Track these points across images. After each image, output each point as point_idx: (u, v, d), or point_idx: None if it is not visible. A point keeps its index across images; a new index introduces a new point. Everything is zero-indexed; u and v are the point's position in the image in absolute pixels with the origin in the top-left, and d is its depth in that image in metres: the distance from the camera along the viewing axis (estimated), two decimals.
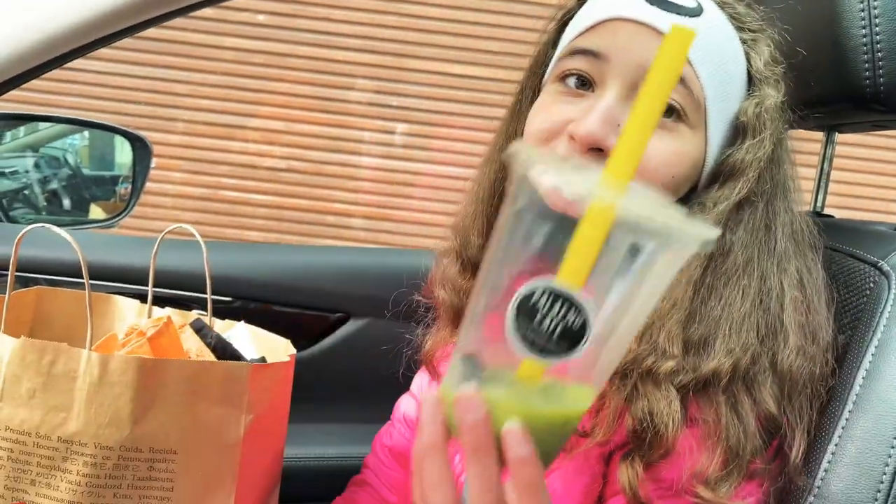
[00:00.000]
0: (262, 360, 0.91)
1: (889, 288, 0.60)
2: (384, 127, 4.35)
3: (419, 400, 0.93)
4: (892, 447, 0.53)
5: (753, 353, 0.58)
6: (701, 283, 0.60)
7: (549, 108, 0.66)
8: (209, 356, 0.88)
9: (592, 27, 0.65)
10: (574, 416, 0.41)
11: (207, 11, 4.18)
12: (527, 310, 0.37)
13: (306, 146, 4.43)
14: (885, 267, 0.63)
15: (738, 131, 0.64)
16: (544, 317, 0.37)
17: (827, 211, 0.93)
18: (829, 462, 0.55)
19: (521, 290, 0.37)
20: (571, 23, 0.69)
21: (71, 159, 1.81)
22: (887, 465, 0.52)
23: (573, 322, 0.37)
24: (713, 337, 0.58)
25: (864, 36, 0.67)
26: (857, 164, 4.35)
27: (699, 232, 0.36)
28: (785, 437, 0.59)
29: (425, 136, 4.33)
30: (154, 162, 1.44)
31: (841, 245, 0.73)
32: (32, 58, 0.83)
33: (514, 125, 0.74)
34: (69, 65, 0.98)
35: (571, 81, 0.65)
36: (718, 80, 0.63)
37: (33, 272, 1.23)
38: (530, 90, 0.73)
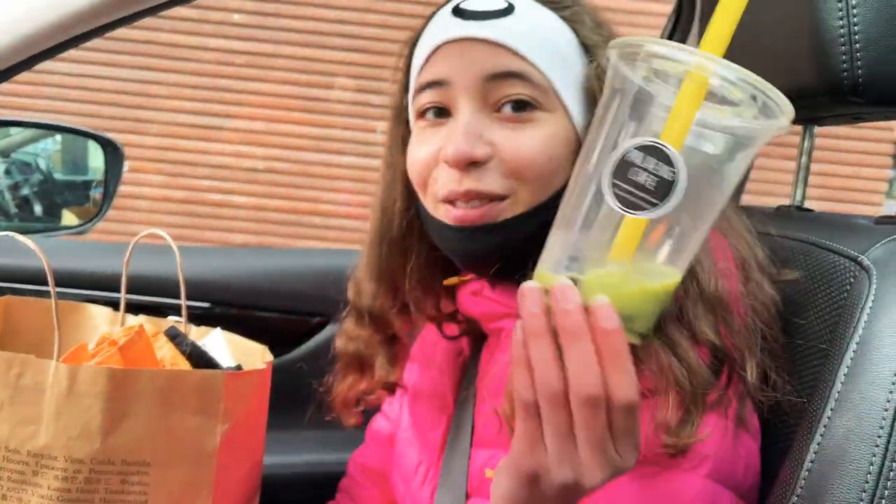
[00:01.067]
0: (239, 367, 0.90)
1: (870, 283, 0.59)
2: (368, 126, 4.33)
3: (391, 418, 0.91)
4: (877, 446, 0.52)
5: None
6: None
7: (420, 143, 0.71)
8: (184, 364, 0.86)
9: (427, 60, 0.70)
10: (663, 291, 0.45)
11: (186, 11, 4.15)
12: (624, 166, 0.41)
13: (289, 146, 4.40)
14: (866, 262, 0.62)
15: (593, 97, 0.68)
16: (639, 170, 0.41)
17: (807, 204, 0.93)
18: (811, 462, 0.54)
19: (619, 150, 0.41)
20: (412, 63, 0.74)
21: (43, 164, 1.78)
22: (871, 464, 0.52)
23: (665, 174, 0.40)
24: None
25: (842, 27, 0.66)
26: (835, 155, 4.39)
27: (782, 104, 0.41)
28: (735, 362, 0.61)
29: None
30: (127, 166, 1.41)
31: (819, 239, 0.73)
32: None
33: (390, 172, 0.77)
34: (42, 67, 0.96)
35: (430, 114, 0.70)
36: (554, 60, 0.67)
37: (1, 281, 1.21)
38: (399, 137, 0.76)
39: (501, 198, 0.67)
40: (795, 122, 0.92)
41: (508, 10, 0.67)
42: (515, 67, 0.66)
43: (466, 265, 0.74)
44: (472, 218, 0.67)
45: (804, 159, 0.91)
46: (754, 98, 0.43)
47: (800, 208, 0.92)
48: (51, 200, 1.72)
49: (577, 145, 0.67)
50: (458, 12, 0.69)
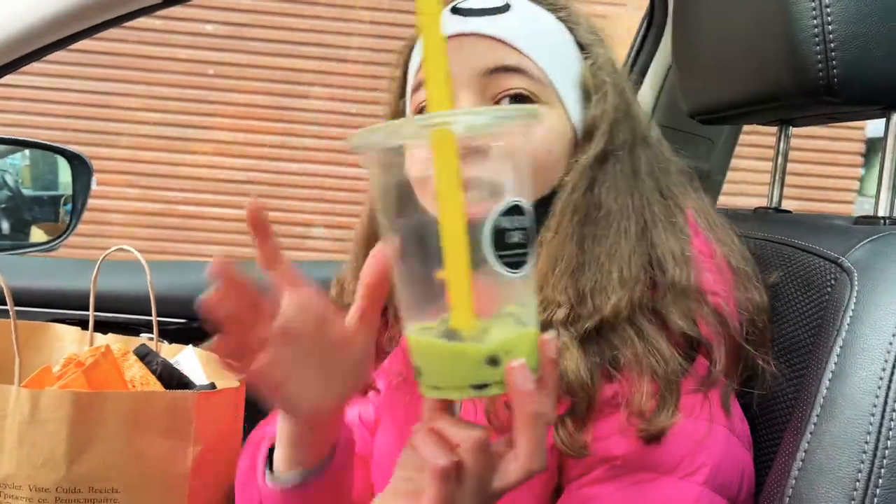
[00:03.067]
0: (212, 385, 0.87)
1: (851, 285, 0.58)
2: (342, 135, 4.30)
3: (374, 403, 0.89)
4: (864, 452, 0.51)
5: (645, 280, 0.63)
6: (581, 237, 0.65)
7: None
8: (154, 384, 0.83)
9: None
10: (534, 334, 0.45)
11: (155, 22, 4.10)
12: (499, 235, 0.41)
13: (263, 157, 4.36)
14: (846, 263, 0.61)
15: (587, 93, 0.70)
16: (512, 232, 0.41)
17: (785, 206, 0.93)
18: (798, 470, 0.53)
19: (487, 226, 0.41)
20: (410, 65, 0.75)
21: (10, 180, 1.74)
22: (860, 471, 0.50)
23: (524, 223, 0.42)
24: (606, 280, 0.63)
25: (816, 26, 0.66)
26: (806, 155, 4.44)
27: (524, 111, 0.43)
28: (708, 349, 0.62)
29: None
30: (95, 181, 1.38)
31: (798, 241, 0.72)
32: None
33: None
34: (7, 80, 0.94)
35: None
36: (551, 55, 0.68)
37: None
38: None
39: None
40: (771, 123, 0.92)
41: (505, 7, 0.69)
42: (513, 62, 0.67)
43: None
44: (474, 213, 0.68)
45: (780, 160, 0.90)
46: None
47: (778, 210, 0.91)
48: (18, 217, 1.68)
49: (573, 139, 0.69)
50: (456, 10, 0.70)
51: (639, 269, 0.63)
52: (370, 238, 0.78)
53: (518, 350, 0.44)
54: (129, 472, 0.70)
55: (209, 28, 4.28)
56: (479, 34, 0.68)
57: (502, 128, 0.44)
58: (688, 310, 0.62)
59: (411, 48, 0.76)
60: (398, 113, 0.78)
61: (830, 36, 0.65)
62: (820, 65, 0.66)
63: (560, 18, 0.71)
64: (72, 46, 0.96)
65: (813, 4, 0.66)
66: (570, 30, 0.71)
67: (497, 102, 0.68)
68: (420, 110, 0.72)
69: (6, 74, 0.95)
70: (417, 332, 0.45)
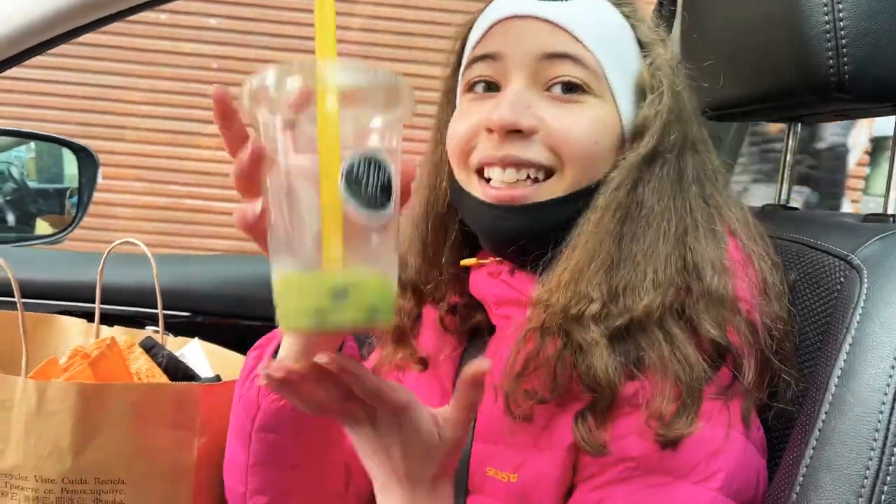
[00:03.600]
0: (217, 378, 0.87)
1: (861, 282, 0.58)
2: None
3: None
4: (872, 449, 0.51)
5: (679, 285, 0.63)
6: (620, 235, 0.65)
7: (465, 115, 0.71)
8: (160, 376, 0.84)
9: (485, 34, 0.71)
10: (394, 282, 0.48)
11: (161, 16, 4.10)
12: (351, 180, 0.44)
13: None
14: (856, 260, 0.61)
15: (642, 92, 0.69)
16: (367, 179, 0.44)
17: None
18: (806, 467, 0.53)
19: (345, 166, 0.44)
20: (469, 40, 0.75)
21: (16, 172, 1.74)
22: (868, 468, 0.50)
23: (383, 178, 0.45)
24: (640, 279, 0.63)
25: (828, 22, 0.65)
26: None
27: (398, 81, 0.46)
28: (736, 360, 0.62)
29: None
30: (101, 174, 1.38)
31: (806, 238, 0.72)
32: None
33: (438, 150, 0.78)
34: (14, 73, 0.94)
35: (479, 88, 0.71)
36: (610, 49, 0.68)
37: None
38: (447, 118, 0.76)
39: (545, 171, 0.67)
40: (780, 120, 0.92)
41: None
42: (570, 49, 0.67)
43: (493, 243, 0.74)
44: (506, 197, 0.68)
45: (789, 158, 0.90)
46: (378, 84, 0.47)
47: (785, 207, 0.91)
48: (24, 209, 1.69)
49: (620, 136, 0.69)
50: None
51: (674, 272, 0.63)
52: (429, 213, 0.78)
53: (366, 288, 0.46)
54: (135, 464, 0.70)
55: (213, 22, 4.28)
56: (539, 17, 0.67)
57: (376, 85, 0.47)
58: (721, 318, 0.62)
59: (470, 27, 0.75)
60: (451, 88, 0.77)
61: (842, 32, 0.65)
62: (831, 61, 0.66)
63: (624, 14, 0.71)
64: (77, 39, 0.96)
65: (824, 0, 0.66)
66: (633, 27, 0.71)
67: (548, 89, 0.67)
68: (470, 87, 0.71)
69: (11, 67, 0.95)
70: (279, 272, 0.48)
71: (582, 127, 0.66)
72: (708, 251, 0.65)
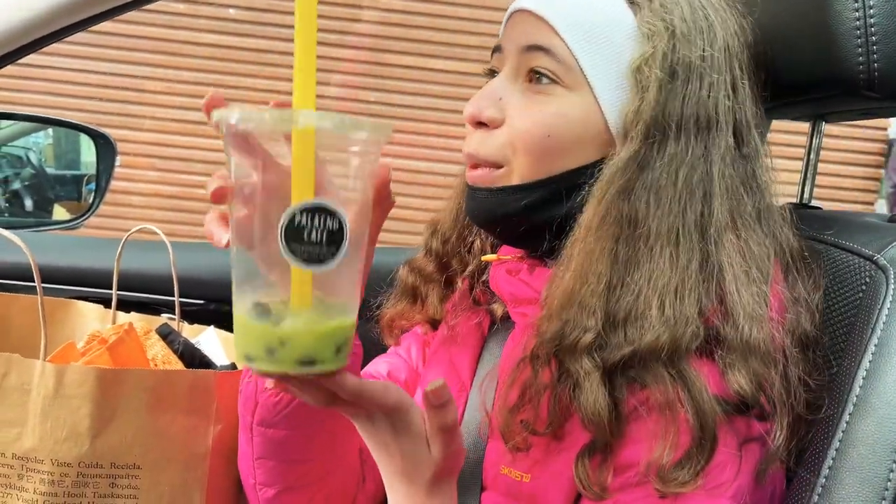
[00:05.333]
0: (232, 366, 0.87)
1: (887, 283, 0.57)
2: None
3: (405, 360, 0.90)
4: None
5: (697, 324, 0.57)
6: (614, 254, 0.60)
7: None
8: (176, 363, 0.84)
9: (503, 27, 0.73)
10: (340, 329, 0.48)
11: (180, 6, 4.11)
12: (293, 232, 0.43)
13: None
14: (882, 261, 0.60)
15: (634, 83, 0.64)
16: (309, 231, 0.44)
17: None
18: (829, 468, 0.52)
19: (282, 220, 0.43)
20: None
21: (34, 158, 1.75)
22: (892, 470, 0.50)
23: (332, 224, 0.44)
24: (645, 309, 0.58)
25: (858, 19, 0.64)
26: (826, 154, 4.38)
27: (382, 125, 0.46)
28: (764, 418, 0.58)
29: (403, 131, 4.29)
30: (119, 160, 1.39)
31: (831, 238, 0.71)
32: None
33: None
34: (31, 60, 0.94)
35: (492, 76, 0.73)
36: (593, 40, 0.65)
37: None
38: None
39: (497, 166, 0.68)
40: (804, 118, 0.91)
41: None
42: (544, 41, 0.66)
43: (474, 224, 0.77)
44: (474, 180, 0.70)
45: (812, 156, 0.89)
46: (353, 129, 0.46)
47: (808, 206, 0.90)
48: (42, 195, 1.70)
49: (600, 128, 0.65)
50: None
51: (693, 310, 0.57)
52: (463, 189, 0.78)
53: (300, 343, 0.46)
54: (151, 449, 0.70)
55: (231, 12, 4.29)
56: (526, 10, 0.68)
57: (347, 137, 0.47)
58: (753, 372, 0.56)
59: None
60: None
61: (872, 29, 0.64)
62: (861, 58, 0.65)
63: (630, 2, 0.66)
64: (96, 28, 0.96)
65: None
66: (635, 14, 0.65)
67: (529, 80, 0.67)
68: (492, 72, 0.73)
69: (29, 54, 0.95)
70: (235, 306, 0.49)
71: (537, 119, 0.65)
72: (741, 294, 0.58)
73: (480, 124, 0.69)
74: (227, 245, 0.50)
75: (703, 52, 0.63)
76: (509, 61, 0.69)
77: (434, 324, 0.83)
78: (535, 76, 0.67)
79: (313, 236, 0.44)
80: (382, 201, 0.55)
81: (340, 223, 0.44)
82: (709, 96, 0.63)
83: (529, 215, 0.67)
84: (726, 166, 0.63)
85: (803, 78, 0.75)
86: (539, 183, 0.66)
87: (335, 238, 0.44)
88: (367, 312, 0.85)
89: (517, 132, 0.66)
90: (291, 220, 0.43)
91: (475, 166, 0.70)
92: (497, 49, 0.72)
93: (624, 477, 0.58)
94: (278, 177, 0.46)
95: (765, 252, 0.62)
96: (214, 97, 0.49)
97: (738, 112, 0.64)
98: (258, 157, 0.46)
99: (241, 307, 0.48)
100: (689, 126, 0.62)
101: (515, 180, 0.67)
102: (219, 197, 0.48)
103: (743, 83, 0.65)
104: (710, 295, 0.59)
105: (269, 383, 0.52)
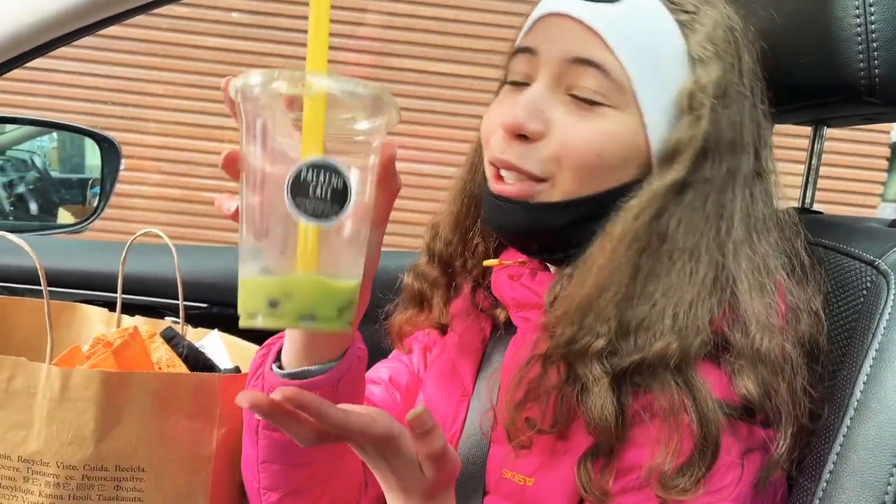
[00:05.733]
0: (236, 369, 0.88)
1: (888, 288, 0.58)
2: None
3: (406, 365, 0.91)
4: None
5: (707, 333, 0.59)
6: (636, 268, 0.61)
7: (498, 105, 0.70)
8: (180, 367, 0.84)
9: (530, 28, 0.70)
10: (347, 290, 0.49)
11: (184, 10, 4.13)
12: (299, 187, 0.45)
13: None
14: (883, 266, 0.60)
15: (682, 111, 0.64)
16: (315, 186, 0.45)
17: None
18: (830, 473, 0.53)
19: (290, 174, 0.45)
20: (523, 29, 0.73)
21: (39, 162, 1.76)
22: (892, 475, 0.50)
23: (336, 183, 0.45)
24: (657, 319, 0.59)
25: (859, 25, 0.65)
26: (829, 158, 4.37)
27: (389, 98, 0.47)
28: (768, 427, 0.58)
29: (410, 135, 4.30)
30: (123, 164, 1.40)
31: (832, 242, 0.71)
32: None
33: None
34: (38, 64, 0.94)
35: (516, 79, 0.69)
36: (646, 61, 0.64)
37: None
38: None
39: (539, 179, 0.66)
40: (805, 122, 0.91)
41: None
42: (597, 57, 0.63)
43: (499, 236, 0.74)
44: (508, 193, 0.67)
45: (814, 161, 0.89)
46: (365, 98, 0.47)
47: (808, 210, 0.90)
48: (47, 198, 1.70)
49: (644, 155, 0.65)
50: None
51: (704, 320, 0.59)
52: (465, 190, 0.79)
53: (301, 297, 0.47)
54: (156, 452, 0.70)
55: (235, 16, 4.30)
56: (575, 18, 0.64)
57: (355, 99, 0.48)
58: (762, 380, 0.57)
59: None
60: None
61: (873, 35, 0.64)
62: (862, 64, 0.65)
63: (679, 22, 0.65)
64: (102, 32, 0.97)
65: (856, 3, 0.65)
66: (685, 37, 0.65)
67: (570, 92, 0.65)
68: (509, 76, 0.70)
69: (36, 58, 0.96)
70: (239, 269, 0.50)
71: (587, 137, 0.63)
72: (754, 304, 0.60)
73: (519, 135, 0.65)
74: (235, 212, 0.51)
75: (737, 75, 0.64)
76: (548, 69, 0.65)
77: (442, 328, 0.82)
78: (582, 91, 0.64)
79: (318, 192, 0.45)
80: (389, 179, 0.55)
81: (345, 182, 0.46)
82: (739, 119, 0.64)
83: (564, 231, 0.66)
84: (747, 185, 0.64)
85: (805, 83, 0.75)
86: (580, 200, 0.65)
87: (339, 197, 0.46)
88: (372, 314, 0.86)
89: (566, 149, 0.64)
90: (298, 175, 0.45)
91: (500, 177, 0.67)
92: (527, 51, 0.68)
93: (625, 480, 0.59)
94: (284, 145, 0.47)
95: (776, 263, 0.63)
96: (232, 77, 0.50)
97: (756, 130, 0.66)
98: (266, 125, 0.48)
99: (247, 270, 0.49)
100: (722, 149, 0.63)
101: (556, 196, 0.65)
102: (229, 162, 0.50)
103: (759, 101, 0.67)
104: (723, 305, 0.60)
105: (259, 414, 0.51)
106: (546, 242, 0.68)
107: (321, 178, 0.45)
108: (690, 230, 0.61)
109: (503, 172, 0.67)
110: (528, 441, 0.63)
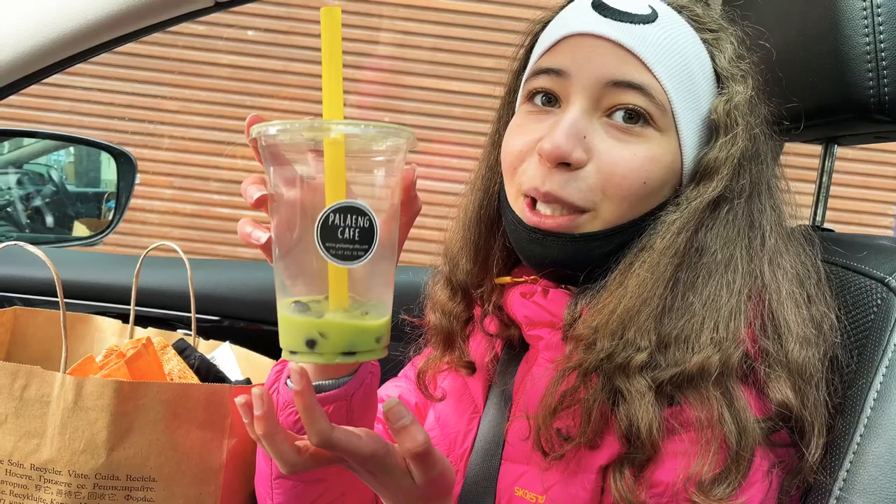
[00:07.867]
0: (247, 381, 0.88)
1: None
2: None
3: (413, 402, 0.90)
4: None
5: (746, 346, 0.59)
6: (675, 280, 0.61)
7: (521, 129, 0.68)
8: (192, 378, 0.85)
9: (554, 45, 0.67)
10: (384, 321, 0.52)
11: (199, 27, 4.18)
12: (327, 231, 0.47)
13: None
14: (893, 283, 0.60)
15: (712, 130, 0.65)
16: (342, 229, 0.47)
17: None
18: (840, 490, 0.52)
19: (318, 219, 0.47)
20: (536, 45, 0.71)
21: (55, 175, 1.78)
22: None
23: (363, 223, 0.48)
24: (696, 331, 0.59)
25: (868, 44, 0.65)
26: (841, 177, 4.35)
27: (405, 131, 0.50)
28: (802, 435, 0.58)
29: (421, 152, 4.31)
30: (139, 178, 1.41)
31: (843, 260, 0.71)
32: (5, 75, 0.81)
33: (494, 153, 0.76)
34: (56, 80, 0.96)
35: (539, 99, 0.68)
36: (681, 81, 0.64)
37: (11, 291, 1.20)
38: (506, 119, 0.74)
39: (581, 210, 0.65)
40: (816, 141, 0.91)
41: (650, 17, 0.64)
42: (638, 79, 0.62)
43: (527, 264, 0.72)
44: (548, 226, 0.65)
45: (825, 179, 0.89)
46: (379, 135, 0.50)
47: (820, 228, 0.90)
48: (62, 212, 1.72)
49: (677, 173, 0.65)
50: (599, 7, 0.65)
51: (742, 330, 0.59)
52: (482, 216, 0.77)
53: (338, 335, 0.50)
54: (166, 462, 0.71)
55: (250, 34, 4.35)
56: (611, 40, 0.63)
57: (384, 143, 0.51)
58: (796, 387, 0.58)
59: (536, 33, 0.72)
60: (513, 90, 0.75)
61: (882, 54, 0.65)
62: (871, 82, 0.65)
63: (705, 41, 0.66)
64: (118, 49, 0.99)
65: (865, 22, 0.65)
66: (712, 56, 0.65)
67: (609, 115, 0.64)
68: (531, 97, 0.68)
69: (55, 73, 0.97)
70: (278, 302, 0.53)
71: (633, 164, 0.62)
72: (788, 313, 0.60)
73: (563, 165, 0.63)
74: (267, 242, 0.53)
75: (756, 91, 0.66)
76: (584, 92, 0.64)
77: (470, 366, 0.79)
78: (623, 112, 0.63)
79: (346, 234, 0.47)
80: (410, 203, 0.56)
81: (371, 221, 0.48)
82: (759, 132, 0.65)
83: (607, 258, 0.65)
84: (771, 196, 0.66)
85: (814, 102, 0.75)
86: (622, 227, 0.65)
87: (366, 236, 0.48)
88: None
89: (612, 178, 0.63)
90: (326, 219, 0.47)
91: (533, 207, 0.66)
92: (553, 72, 0.66)
93: (655, 491, 0.59)
94: (311, 187, 0.49)
95: (805, 275, 0.64)
96: (255, 117, 0.52)
97: (767, 142, 0.67)
98: (293, 169, 0.50)
99: (283, 306, 0.51)
100: (749, 161, 0.64)
101: (598, 226, 0.65)
102: (259, 204, 0.52)
103: (768, 115, 0.68)
104: (759, 317, 0.61)
105: (258, 412, 0.53)
106: (588, 270, 0.66)
107: (348, 220, 0.47)
108: (726, 241, 0.62)
109: (541, 205, 0.66)
110: (560, 450, 0.63)
